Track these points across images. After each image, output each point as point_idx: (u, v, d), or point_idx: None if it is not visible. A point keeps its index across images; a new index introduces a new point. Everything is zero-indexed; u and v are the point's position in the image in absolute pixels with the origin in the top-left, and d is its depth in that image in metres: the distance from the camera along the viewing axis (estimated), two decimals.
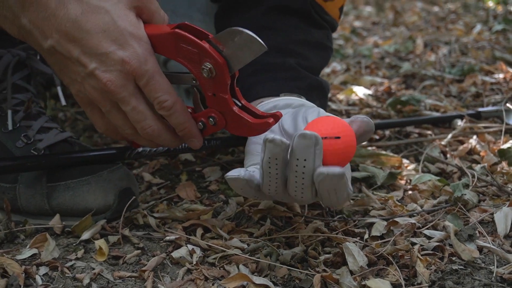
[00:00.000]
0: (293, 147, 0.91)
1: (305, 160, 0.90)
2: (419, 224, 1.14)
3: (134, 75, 0.96)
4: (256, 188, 0.98)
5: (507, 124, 1.67)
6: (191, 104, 1.04)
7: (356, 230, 1.13)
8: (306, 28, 1.28)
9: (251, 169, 1.00)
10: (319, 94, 1.24)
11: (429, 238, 1.10)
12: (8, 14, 0.96)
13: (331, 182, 0.91)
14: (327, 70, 2.47)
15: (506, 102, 1.84)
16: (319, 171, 0.90)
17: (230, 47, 0.94)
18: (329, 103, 1.96)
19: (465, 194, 1.21)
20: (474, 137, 1.58)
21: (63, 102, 1.21)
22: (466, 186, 1.28)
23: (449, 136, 1.61)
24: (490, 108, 1.80)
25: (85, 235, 1.09)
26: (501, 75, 2.26)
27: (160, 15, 1.02)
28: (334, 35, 3.26)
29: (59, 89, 1.20)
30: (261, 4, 1.28)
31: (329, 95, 2.03)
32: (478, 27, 3.38)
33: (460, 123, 1.70)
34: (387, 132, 1.69)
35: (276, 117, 0.99)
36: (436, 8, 4.29)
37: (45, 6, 0.94)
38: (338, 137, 0.93)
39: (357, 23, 3.70)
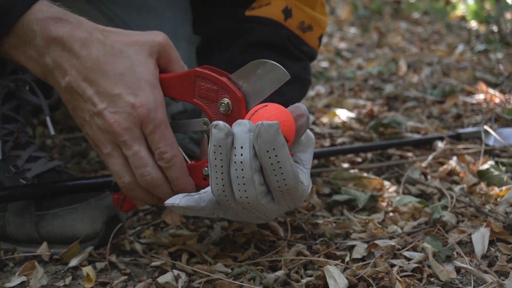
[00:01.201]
0: (233, 136, 0.92)
1: (241, 147, 0.91)
2: (399, 246, 1.17)
3: (141, 120, 0.98)
4: (203, 207, 0.98)
5: (486, 144, 1.70)
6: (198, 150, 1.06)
7: (338, 253, 1.16)
8: (283, 62, 1.27)
9: (196, 194, 1.00)
10: None
11: (408, 259, 1.13)
12: (33, 54, 0.99)
13: (267, 134, 0.89)
14: (311, 93, 2.50)
15: (485, 123, 1.88)
16: (248, 125, 0.91)
17: (251, 81, 0.96)
18: (313, 126, 1.99)
19: (444, 216, 1.24)
20: (454, 158, 1.62)
21: (52, 132, 1.23)
22: (445, 207, 1.31)
23: (430, 157, 1.64)
24: (469, 129, 1.83)
25: (73, 262, 1.11)
26: (481, 96, 2.30)
27: (180, 64, 1.06)
28: (319, 57, 3.31)
29: (48, 119, 1.23)
30: (238, 41, 1.29)
31: (313, 118, 2.06)
32: (461, 47, 3.42)
33: (440, 144, 1.73)
34: (369, 155, 1.72)
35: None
36: (419, 29, 4.34)
37: (70, 47, 0.97)
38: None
39: (342, 45, 3.74)
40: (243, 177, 0.92)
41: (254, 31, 1.28)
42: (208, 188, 0.99)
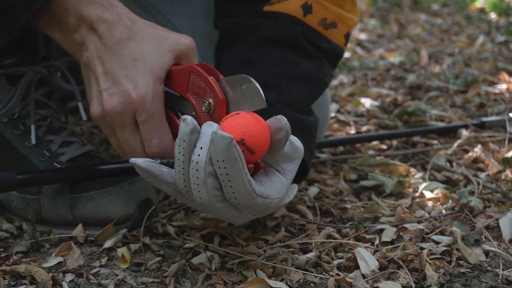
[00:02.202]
0: (199, 134, 0.91)
1: (201, 148, 0.89)
2: (427, 230, 1.18)
3: (135, 108, 1.00)
4: (166, 181, 0.97)
5: (510, 133, 1.71)
6: None
7: (367, 236, 1.17)
8: (294, 60, 1.24)
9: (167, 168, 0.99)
10: (297, 130, 1.08)
11: (437, 243, 1.15)
12: (66, 32, 1.05)
13: (219, 145, 0.87)
14: (334, 82, 2.52)
15: (509, 112, 1.89)
16: (212, 131, 0.88)
17: (237, 92, 0.95)
18: (337, 114, 2.01)
19: (471, 201, 1.26)
20: (479, 146, 1.63)
21: (84, 117, 1.26)
22: (472, 193, 1.32)
23: (455, 145, 1.65)
24: (493, 118, 1.84)
25: (108, 243, 1.14)
26: (504, 86, 2.31)
27: None
28: None
29: (80, 105, 1.25)
30: (249, 37, 1.26)
31: (337, 106, 2.08)
32: (481, 38, 3.42)
33: (465, 132, 1.75)
34: (394, 142, 1.73)
35: (258, 165, 0.96)
36: (439, 20, 4.33)
37: (96, 27, 1.01)
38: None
39: (362, 36, 3.75)
40: (197, 177, 0.90)
41: (267, 27, 1.26)
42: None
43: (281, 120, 0.92)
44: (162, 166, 0.97)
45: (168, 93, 1.05)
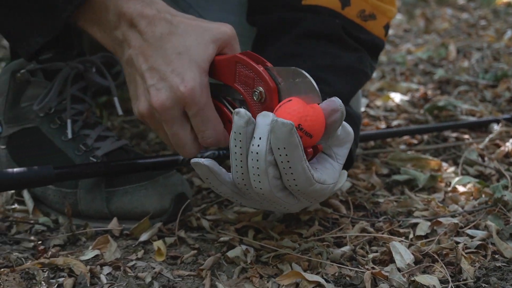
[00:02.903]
0: (255, 125, 0.91)
1: (260, 138, 0.89)
2: (461, 224, 1.18)
3: (184, 101, 1.00)
4: (224, 181, 0.97)
5: None
6: None
7: (401, 230, 1.18)
8: (334, 52, 1.24)
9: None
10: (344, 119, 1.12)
11: (471, 237, 1.14)
12: (106, 29, 1.05)
13: (280, 132, 0.87)
14: None
15: None
16: (271, 118, 0.89)
17: (289, 83, 0.95)
18: (367, 109, 2.01)
19: (505, 195, 1.25)
20: (511, 140, 1.62)
21: (120, 112, 1.27)
22: (505, 187, 1.32)
23: (486, 140, 1.65)
24: None
25: (143, 237, 1.15)
26: None
27: None
28: None
29: (115, 99, 1.26)
30: (290, 31, 1.26)
31: (366, 101, 2.08)
32: (509, 33, 3.40)
33: (496, 127, 1.74)
34: (425, 137, 1.73)
35: (317, 148, 0.96)
36: (465, 15, 4.31)
37: (137, 23, 1.02)
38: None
39: (389, 31, 3.73)
40: (258, 168, 0.91)
41: (307, 21, 1.26)
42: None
43: (336, 101, 0.94)
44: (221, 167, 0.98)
45: (213, 84, 1.05)
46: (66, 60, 1.27)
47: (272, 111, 0.93)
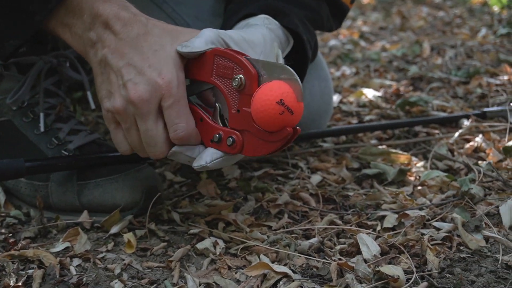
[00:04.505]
0: None
1: None
2: (429, 217, 1.20)
3: (162, 94, 1.01)
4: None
5: (511, 123, 1.72)
6: None
7: (369, 223, 1.19)
8: None
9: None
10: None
11: (438, 229, 1.16)
12: (79, 30, 1.05)
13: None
14: (337, 74, 2.54)
15: (510, 102, 1.90)
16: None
17: (272, 78, 0.97)
18: (340, 105, 2.02)
19: (472, 189, 1.27)
20: (480, 135, 1.64)
21: (93, 106, 1.28)
22: (473, 181, 1.34)
23: (456, 135, 1.67)
24: (495, 108, 1.85)
25: (114, 229, 1.16)
26: (505, 77, 2.32)
27: None
28: (343, 39, 3.34)
29: (89, 94, 1.27)
30: None
31: (340, 97, 2.10)
32: (483, 31, 3.43)
33: (466, 122, 1.76)
34: (397, 132, 1.75)
35: (296, 130, 0.98)
36: (441, 13, 4.34)
37: (112, 25, 1.02)
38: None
39: (365, 28, 3.76)
40: None
41: None
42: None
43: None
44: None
45: (187, 85, 1.06)
46: (40, 54, 1.27)
47: (250, 98, 0.96)
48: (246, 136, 1.01)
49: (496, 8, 4.32)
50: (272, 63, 0.98)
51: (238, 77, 0.99)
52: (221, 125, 1.04)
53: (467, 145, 1.60)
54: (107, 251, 1.10)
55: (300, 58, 1.22)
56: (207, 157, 1.04)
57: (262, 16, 1.17)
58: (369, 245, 1.07)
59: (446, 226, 1.16)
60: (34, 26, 1.06)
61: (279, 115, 0.93)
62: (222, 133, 1.03)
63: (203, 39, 1.03)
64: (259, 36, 1.10)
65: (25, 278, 0.99)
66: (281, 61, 1.09)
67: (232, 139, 1.01)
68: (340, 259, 1.06)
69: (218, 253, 1.07)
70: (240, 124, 1.01)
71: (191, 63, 1.05)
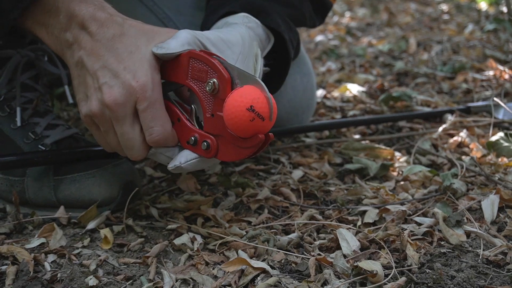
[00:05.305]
0: None
1: None
2: (410, 212, 1.19)
3: (136, 96, 0.99)
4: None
5: (495, 118, 1.72)
6: None
7: (350, 218, 1.18)
8: None
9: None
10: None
11: (419, 224, 1.15)
12: (55, 31, 1.04)
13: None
14: (322, 69, 2.53)
15: (494, 97, 1.89)
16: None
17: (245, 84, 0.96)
18: (324, 100, 2.01)
19: (454, 183, 1.26)
20: (464, 130, 1.63)
21: (70, 100, 1.26)
22: (455, 176, 1.33)
23: (440, 129, 1.66)
24: (479, 103, 1.85)
25: (91, 225, 1.14)
26: (491, 72, 2.32)
27: None
28: (330, 35, 3.33)
29: (66, 88, 1.25)
30: None
31: (324, 92, 2.09)
32: (470, 27, 3.43)
33: (450, 117, 1.75)
34: (380, 127, 1.74)
35: (268, 136, 0.96)
36: (429, 9, 4.34)
37: (88, 26, 1.01)
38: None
39: (352, 24, 3.75)
40: None
41: None
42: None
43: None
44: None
45: (164, 84, 1.05)
46: (17, 47, 1.26)
47: (223, 102, 0.94)
48: (221, 140, 1.00)
49: (484, 5, 4.32)
50: (248, 74, 0.96)
51: (212, 81, 0.98)
52: (197, 127, 1.03)
53: (451, 140, 1.60)
54: (83, 247, 1.09)
55: (282, 57, 1.20)
56: (182, 157, 1.03)
57: (242, 14, 1.16)
58: (348, 240, 1.06)
59: (427, 221, 1.15)
60: (7, 24, 1.05)
61: (249, 121, 0.92)
62: (198, 136, 1.02)
63: (179, 41, 1.01)
64: (237, 36, 1.09)
65: None
66: (261, 60, 1.09)
67: (207, 144, 1.00)
68: (319, 254, 1.04)
69: (195, 249, 1.06)
70: (215, 128, 1.00)
71: (167, 65, 1.04)
